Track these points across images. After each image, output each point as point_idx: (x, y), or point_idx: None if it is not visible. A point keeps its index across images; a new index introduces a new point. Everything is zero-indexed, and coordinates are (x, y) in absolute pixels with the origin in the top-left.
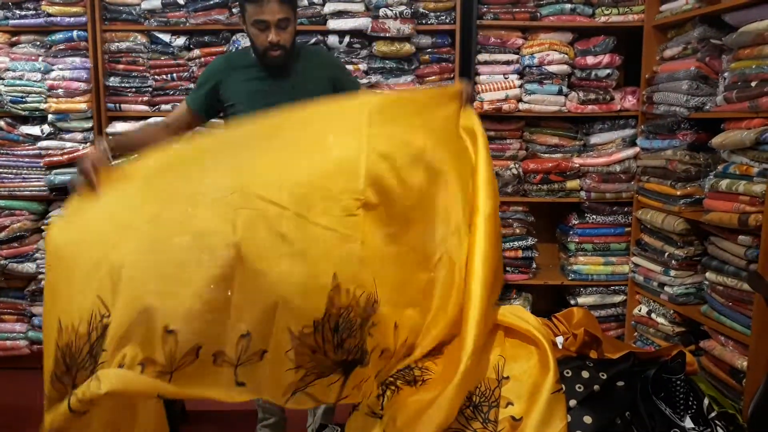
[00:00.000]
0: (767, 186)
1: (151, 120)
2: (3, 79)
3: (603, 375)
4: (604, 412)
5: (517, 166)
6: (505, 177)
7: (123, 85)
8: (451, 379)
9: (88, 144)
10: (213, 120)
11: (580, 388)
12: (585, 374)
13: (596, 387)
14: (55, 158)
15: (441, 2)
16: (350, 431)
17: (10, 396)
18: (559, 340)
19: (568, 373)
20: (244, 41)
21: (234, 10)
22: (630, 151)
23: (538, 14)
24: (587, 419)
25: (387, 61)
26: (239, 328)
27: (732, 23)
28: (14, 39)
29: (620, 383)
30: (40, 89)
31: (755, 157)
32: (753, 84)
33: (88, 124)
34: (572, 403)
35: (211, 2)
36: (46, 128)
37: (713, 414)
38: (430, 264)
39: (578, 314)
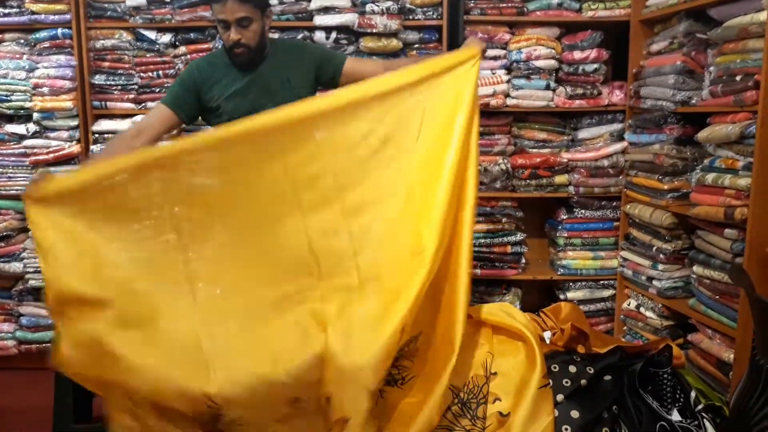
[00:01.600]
0: (752, 180)
1: (122, 132)
2: None
3: (590, 369)
4: (591, 406)
5: (505, 161)
6: (494, 172)
7: (109, 82)
8: (436, 377)
9: (74, 142)
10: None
11: (567, 382)
12: (572, 369)
13: (583, 381)
14: (41, 157)
15: None
16: None
17: None
18: (547, 335)
19: (555, 368)
20: None
21: None
22: (618, 146)
23: (525, 9)
24: (574, 413)
25: (374, 57)
26: None
27: (717, 18)
28: None
29: (607, 377)
30: (24, 87)
31: (740, 151)
32: (738, 78)
33: (74, 123)
34: (559, 397)
35: None
36: (32, 127)
37: (700, 406)
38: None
39: (566, 309)
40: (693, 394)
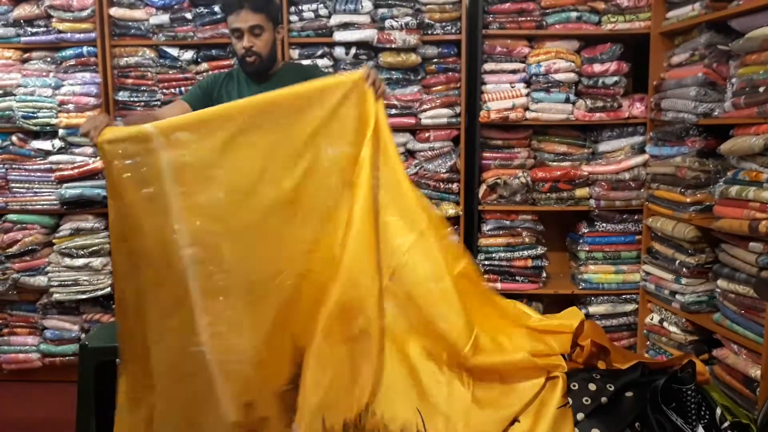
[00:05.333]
0: None
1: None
2: (15, 95)
3: (611, 386)
4: (613, 424)
5: (525, 174)
6: (514, 186)
7: (132, 99)
8: None
9: (98, 158)
10: None
11: (587, 401)
12: (592, 387)
13: (604, 399)
14: (66, 172)
15: (447, 12)
16: None
17: (23, 409)
18: None
19: (574, 386)
20: None
21: None
22: (639, 159)
23: (544, 23)
24: None
25: (393, 72)
26: None
27: (738, 29)
28: (26, 56)
29: (629, 394)
30: (51, 104)
31: (764, 163)
32: (761, 89)
33: None
34: (580, 416)
35: (218, 16)
36: (57, 143)
37: (726, 424)
38: None
39: (585, 325)
40: (719, 411)
